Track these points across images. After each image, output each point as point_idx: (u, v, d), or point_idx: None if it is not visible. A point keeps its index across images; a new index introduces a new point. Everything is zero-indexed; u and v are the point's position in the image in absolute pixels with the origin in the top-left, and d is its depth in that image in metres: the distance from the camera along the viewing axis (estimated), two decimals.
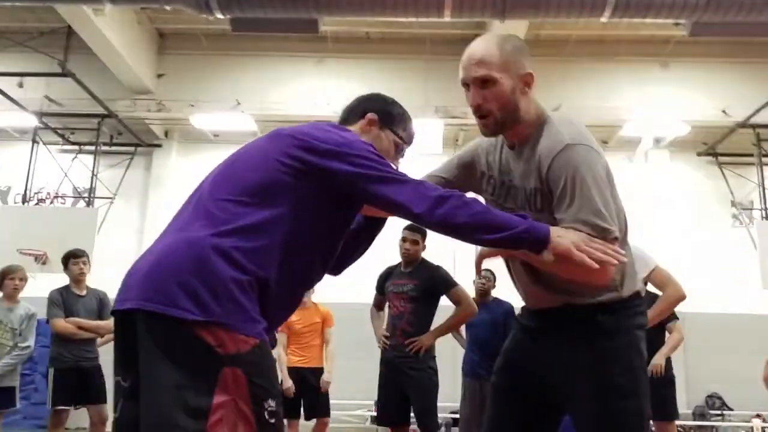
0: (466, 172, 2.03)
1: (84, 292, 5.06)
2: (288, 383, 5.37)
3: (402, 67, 9.41)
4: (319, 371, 5.55)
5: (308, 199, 1.63)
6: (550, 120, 1.83)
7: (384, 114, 1.92)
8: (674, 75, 9.38)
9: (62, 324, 4.87)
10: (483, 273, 5.17)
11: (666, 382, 4.39)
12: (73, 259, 5.08)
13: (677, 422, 9.25)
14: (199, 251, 1.51)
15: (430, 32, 9.18)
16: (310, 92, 9.35)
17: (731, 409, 9.57)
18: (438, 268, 4.59)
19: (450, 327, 4.63)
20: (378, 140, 1.89)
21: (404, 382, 4.36)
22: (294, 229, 1.60)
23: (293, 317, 5.53)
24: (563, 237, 1.62)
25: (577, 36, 8.98)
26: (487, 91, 1.79)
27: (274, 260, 1.57)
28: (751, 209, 9.79)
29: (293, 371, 5.47)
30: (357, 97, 2.00)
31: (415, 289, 4.42)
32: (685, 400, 9.44)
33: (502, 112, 1.80)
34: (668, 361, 4.43)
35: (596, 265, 1.59)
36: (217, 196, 1.61)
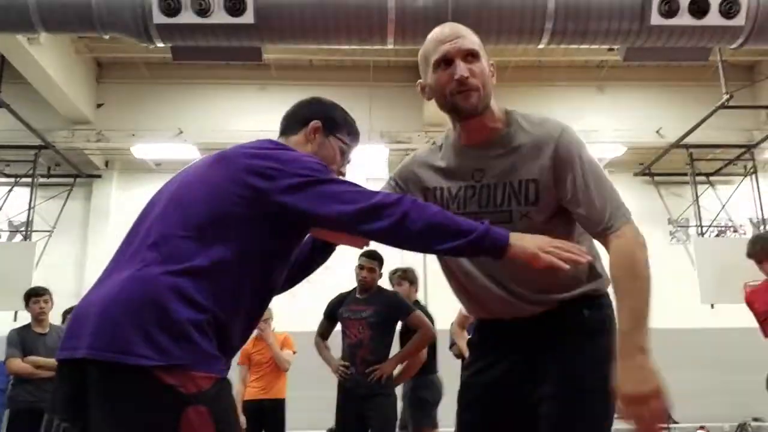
0: (404, 191, 1.94)
1: (46, 330, 4.91)
2: (241, 418, 5.25)
3: (346, 93, 9.43)
4: (279, 403, 5.45)
5: (260, 227, 1.58)
6: (515, 113, 1.81)
7: (328, 120, 1.86)
8: (610, 98, 9.69)
9: (17, 364, 4.72)
10: None
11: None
12: (33, 297, 4.95)
13: None
14: (153, 291, 1.44)
15: (373, 59, 9.27)
16: (254, 120, 9.30)
17: (676, 422, 9.78)
18: (395, 293, 4.58)
19: (411, 353, 4.56)
20: (323, 148, 1.83)
21: (365, 409, 4.27)
22: (248, 262, 1.56)
23: (253, 348, 5.46)
24: (525, 239, 1.56)
25: (516, 62, 9.20)
26: (473, 66, 1.73)
27: (230, 297, 1.53)
28: (687, 226, 10.12)
29: (253, 403, 5.36)
30: (296, 104, 1.94)
31: (374, 315, 4.35)
32: None
33: (484, 90, 1.75)
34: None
35: (566, 266, 1.52)
36: (166, 231, 1.54)
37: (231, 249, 1.53)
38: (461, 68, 1.72)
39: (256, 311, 1.66)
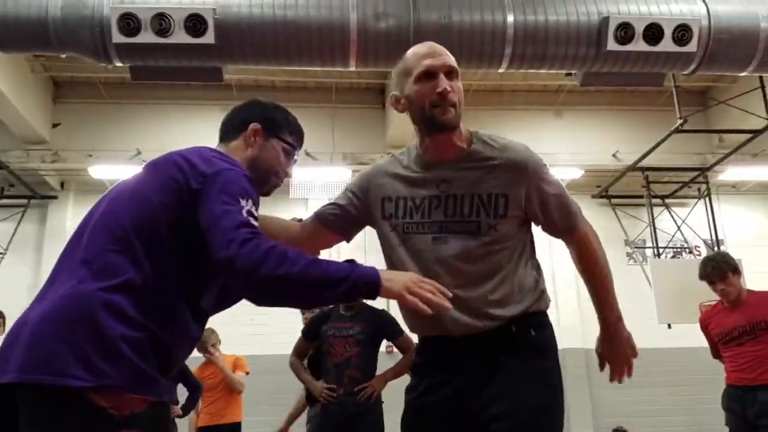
0: (362, 200, 1.96)
1: None
2: None
3: (308, 114, 9.41)
4: (235, 427, 5.33)
5: (186, 237, 1.52)
6: (479, 133, 1.89)
7: (267, 121, 1.80)
8: (567, 122, 9.88)
9: None
10: None
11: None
12: None
13: None
14: (86, 308, 1.39)
15: (335, 81, 9.30)
16: (214, 141, 9.21)
17: None
18: (383, 311, 4.46)
19: (399, 372, 4.35)
20: (265, 150, 1.78)
21: (354, 429, 4.15)
22: (179, 275, 1.52)
23: (203, 373, 5.33)
24: (393, 280, 1.52)
25: (477, 86, 9.32)
26: (452, 83, 1.80)
27: (165, 312, 1.48)
28: (644, 248, 10.30)
29: (208, 429, 5.23)
30: (233, 109, 1.89)
31: (363, 332, 4.23)
32: None
33: (459, 107, 1.82)
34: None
35: (429, 311, 1.52)
36: (97, 246, 1.49)
37: (160, 261, 1.49)
38: (444, 82, 1.78)
39: (195, 329, 1.61)
